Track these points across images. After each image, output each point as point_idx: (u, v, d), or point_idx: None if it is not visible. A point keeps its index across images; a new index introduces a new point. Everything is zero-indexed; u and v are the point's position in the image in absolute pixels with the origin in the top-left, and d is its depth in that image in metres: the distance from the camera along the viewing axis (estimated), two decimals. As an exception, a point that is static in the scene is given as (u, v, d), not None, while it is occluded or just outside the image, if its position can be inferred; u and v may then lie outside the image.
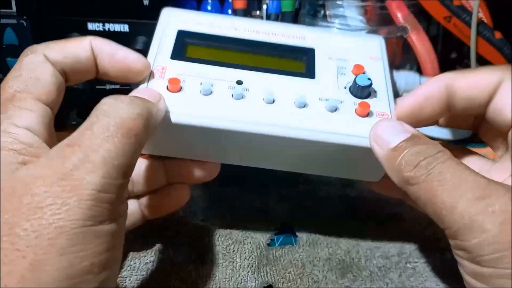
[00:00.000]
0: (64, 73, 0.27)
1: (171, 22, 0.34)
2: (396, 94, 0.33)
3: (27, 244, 0.20)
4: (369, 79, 0.31)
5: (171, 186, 0.33)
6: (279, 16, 0.48)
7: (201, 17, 0.34)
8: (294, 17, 0.48)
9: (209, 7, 0.51)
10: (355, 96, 0.31)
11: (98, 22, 0.43)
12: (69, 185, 0.21)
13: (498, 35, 0.47)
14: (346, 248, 0.36)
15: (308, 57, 0.33)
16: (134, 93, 0.28)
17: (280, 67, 0.32)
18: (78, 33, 0.43)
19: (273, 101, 0.30)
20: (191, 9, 0.51)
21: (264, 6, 0.49)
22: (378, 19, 0.49)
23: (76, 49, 0.28)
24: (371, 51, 0.34)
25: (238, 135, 0.29)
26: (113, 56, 0.29)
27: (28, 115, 0.24)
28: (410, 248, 0.36)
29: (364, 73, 0.32)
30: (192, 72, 0.31)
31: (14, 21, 0.41)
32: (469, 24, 0.47)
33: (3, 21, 0.41)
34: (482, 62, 0.46)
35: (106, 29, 0.41)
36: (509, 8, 0.49)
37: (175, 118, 0.29)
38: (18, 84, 0.25)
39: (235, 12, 0.47)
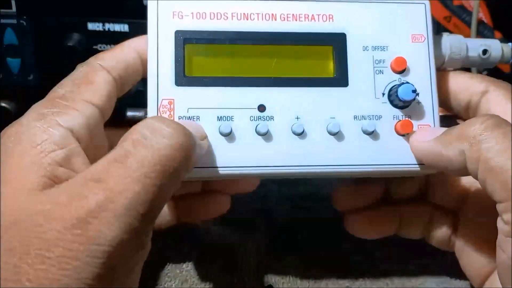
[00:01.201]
0: (119, 78, 0.26)
1: (164, 17, 0.27)
2: (442, 63, 0.30)
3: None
4: (413, 91, 0.27)
5: (210, 195, 0.32)
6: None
7: (199, 3, 0.27)
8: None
9: None
10: (395, 106, 0.28)
11: (98, 22, 0.43)
12: (83, 236, 0.19)
13: (498, 35, 0.47)
14: (346, 248, 0.36)
15: (338, 50, 0.28)
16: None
17: (305, 72, 0.28)
18: (78, 33, 0.43)
19: (302, 131, 0.27)
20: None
21: None
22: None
23: (122, 53, 0.27)
24: (414, 27, 0.28)
25: (267, 175, 0.27)
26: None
27: (74, 114, 0.23)
28: (410, 248, 0.36)
29: (406, 71, 0.28)
30: (206, 102, 0.26)
31: (14, 21, 0.41)
32: (469, 24, 0.47)
33: (3, 21, 0.41)
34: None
35: (106, 29, 0.41)
36: (509, 8, 0.49)
37: (196, 173, 0.25)
38: (70, 86, 0.25)
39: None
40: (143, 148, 0.21)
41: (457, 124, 0.27)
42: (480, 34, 0.47)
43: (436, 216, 0.32)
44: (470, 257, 0.30)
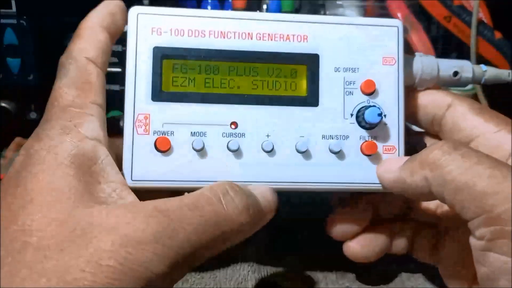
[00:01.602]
0: (104, 66, 0.27)
1: (143, 33, 0.27)
2: (412, 83, 0.31)
3: None
4: (379, 114, 0.28)
5: None
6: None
7: (178, 20, 0.28)
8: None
9: (209, 7, 0.51)
10: (362, 127, 0.29)
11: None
12: (135, 257, 0.20)
13: (498, 35, 0.47)
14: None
15: (311, 70, 0.29)
16: (251, 188, 0.27)
17: (279, 91, 0.28)
18: (78, 33, 0.43)
19: (272, 148, 0.28)
20: (191, 8, 0.51)
21: (264, 6, 0.49)
22: (378, 19, 0.49)
23: (96, 36, 0.27)
24: (386, 50, 0.29)
25: None
26: (105, 15, 0.27)
27: (93, 121, 0.24)
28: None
29: (374, 93, 0.29)
30: (180, 118, 0.27)
31: (14, 21, 0.41)
32: (469, 24, 0.47)
33: (3, 21, 0.41)
34: (482, 62, 0.46)
35: (106, 29, 0.41)
36: (509, 8, 0.49)
37: (167, 183, 0.27)
38: (74, 90, 0.25)
39: (235, 12, 0.47)
40: (213, 207, 0.23)
41: (424, 142, 0.29)
42: (480, 34, 0.47)
43: (419, 231, 0.32)
44: (451, 271, 0.30)
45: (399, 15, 0.48)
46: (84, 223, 0.21)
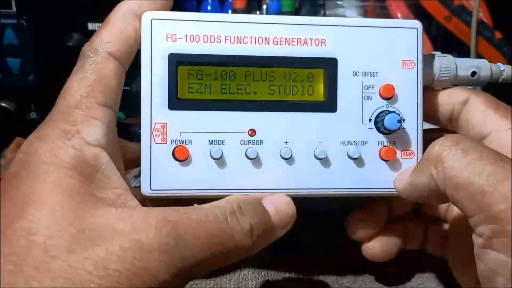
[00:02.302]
0: (127, 61, 0.26)
1: (157, 39, 0.27)
2: (430, 83, 0.30)
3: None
4: (399, 121, 0.27)
5: None
6: (279, 16, 0.48)
7: (193, 25, 0.27)
8: (294, 17, 0.48)
9: (209, 7, 0.51)
10: (381, 132, 0.28)
11: (98, 22, 0.43)
12: (142, 263, 0.21)
13: (498, 35, 0.47)
14: (346, 248, 0.36)
15: (329, 74, 0.28)
16: (266, 201, 0.26)
17: (297, 96, 0.28)
18: (78, 33, 0.43)
19: (290, 155, 0.27)
20: (191, 9, 0.51)
21: (264, 6, 0.49)
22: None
23: (124, 27, 0.26)
24: (405, 52, 0.28)
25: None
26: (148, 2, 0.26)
27: (97, 126, 0.24)
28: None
29: (393, 97, 0.28)
30: (198, 126, 0.27)
31: (14, 21, 0.41)
32: (469, 24, 0.47)
33: (3, 21, 0.41)
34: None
35: (106, 29, 0.41)
36: (509, 8, 0.49)
37: (186, 192, 0.27)
38: (84, 88, 0.24)
39: (235, 12, 0.47)
40: (224, 228, 0.23)
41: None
42: (480, 34, 0.47)
43: (430, 226, 0.33)
44: (460, 266, 0.30)
45: (399, 15, 0.48)
46: (93, 224, 0.21)
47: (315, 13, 0.51)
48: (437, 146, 0.24)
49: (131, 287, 0.20)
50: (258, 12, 0.49)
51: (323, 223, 0.38)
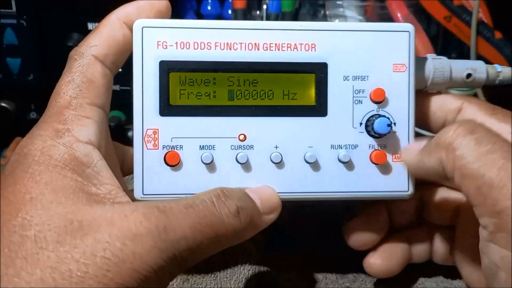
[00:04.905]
0: (114, 65, 0.27)
1: (148, 47, 0.27)
2: (424, 86, 0.30)
3: (66, 285, 0.19)
4: (388, 125, 0.27)
5: None
6: (279, 16, 0.48)
7: (183, 33, 0.27)
8: (294, 17, 0.48)
9: (209, 7, 0.51)
10: (371, 136, 0.28)
11: (98, 22, 0.43)
12: (131, 249, 0.21)
13: (498, 35, 0.47)
14: (346, 248, 0.36)
15: (319, 79, 0.28)
16: (249, 191, 0.27)
17: (286, 101, 0.28)
18: (78, 33, 0.43)
19: (281, 159, 0.28)
20: (191, 9, 0.51)
21: (264, 6, 0.49)
22: (378, 19, 0.49)
23: (112, 32, 0.26)
24: (396, 56, 0.28)
25: None
26: (139, 11, 0.27)
27: (88, 124, 0.24)
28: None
29: (384, 101, 0.28)
30: (189, 132, 0.27)
31: (14, 21, 0.41)
32: (469, 24, 0.47)
33: (3, 21, 0.41)
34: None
35: (106, 29, 0.41)
36: (509, 8, 0.49)
37: (178, 196, 0.26)
38: (72, 89, 0.25)
39: (235, 12, 0.47)
40: (205, 209, 0.24)
41: None
42: (480, 34, 0.47)
43: (436, 235, 0.32)
44: (469, 269, 0.30)
45: (399, 15, 0.48)
46: (82, 217, 0.21)
47: (315, 13, 0.51)
48: (451, 132, 0.24)
49: (121, 274, 0.20)
50: (258, 12, 0.49)
51: (324, 222, 0.38)
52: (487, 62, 0.31)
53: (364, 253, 0.36)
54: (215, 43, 0.27)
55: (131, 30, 0.27)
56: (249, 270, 0.34)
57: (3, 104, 0.44)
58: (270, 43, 0.28)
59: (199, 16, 0.51)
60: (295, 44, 0.28)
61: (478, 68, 0.31)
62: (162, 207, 0.23)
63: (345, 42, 0.28)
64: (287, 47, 0.28)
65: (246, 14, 0.48)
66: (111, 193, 0.24)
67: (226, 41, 0.27)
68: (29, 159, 0.23)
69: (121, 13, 0.27)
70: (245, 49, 0.28)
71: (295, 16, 0.49)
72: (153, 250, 0.21)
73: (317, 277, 0.34)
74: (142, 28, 0.27)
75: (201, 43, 0.27)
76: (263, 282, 0.33)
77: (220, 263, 0.34)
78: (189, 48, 0.27)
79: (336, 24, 0.29)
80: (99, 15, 0.42)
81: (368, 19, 0.49)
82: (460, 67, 0.30)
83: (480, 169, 0.22)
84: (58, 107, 0.25)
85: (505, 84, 0.32)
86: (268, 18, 0.48)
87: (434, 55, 0.30)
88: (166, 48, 0.27)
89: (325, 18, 0.50)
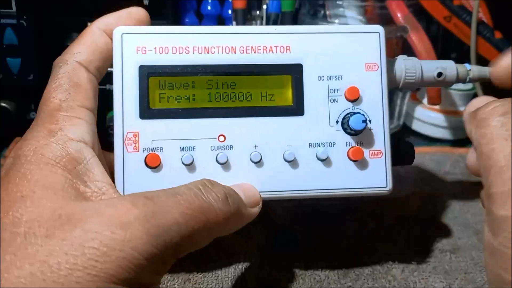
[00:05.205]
0: (97, 71, 0.28)
1: (128, 52, 0.28)
2: (397, 86, 0.31)
3: (55, 278, 0.19)
4: (363, 121, 0.28)
5: None
6: (279, 16, 0.48)
7: (162, 38, 0.28)
8: (294, 17, 0.48)
9: (209, 7, 0.51)
10: (348, 133, 0.29)
11: (98, 22, 0.43)
12: (120, 237, 0.20)
13: (498, 35, 0.47)
14: (348, 247, 0.36)
15: (295, 80, 0.29)
16: (233, 186, 0.27)
17: (264, 102, 0.29)
18: (78, 33, 0.43)
19: (260, 159, 0.28)
20: (191, 9, 0.51)
21: (264, 6, 0.49)
22: (378, 19, 0.49)
23: (94, 40, 0.27)
24: (368, 56, 0.29)
25: None
26: (118, 20, 0.28)
27: (80, 124, 0.25)
28: (412, 246, 0.36)
29: (359, 99, 0.29)
30: (169, 134, 0.28)
31: (14, 21, 0.41)
32: (469, 24, 0.47)
33: (3, 21, 0.41)
34: (482, 62, 0.46)
35: (107, 29, 0.41)
36: (509, 8, 0.49)
37: None
38: (61, 93, 0.26)
39: (235, 12, 0.47)
40: (195, 197, 0.24)
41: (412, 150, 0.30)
42: (480, 34, 0.47)
43: None
44: None
45: (399, 15, 0.48)
46: (71, 211, 0.21)
47: (315, 13, 0.51)
48: (487, 109, 0.24)
49: (111, 263, 0.20)
50: (258, 12, 0.49)
51: (324, 221, 0.39)
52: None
53: (365, 252, 0.36)
54: (193, 47, 0.28)
55: (111, 39, 0.28)
56: (250, 270, 0.34)
57: (3, 104, 0.44)
58: (246, 46, 0.28)
59: (199, 16, 0.51)
60: (271, 46, 0.29)
61: (448, 67, 0.32)
62: (149, 196, 0.23)
63: (319, 44, 0.29)
64: (263, 50, 0.29)
65: (246, 14, 0.48)
66: (101, 190, 0.24)
67: (204, 45, 0.28)
68: (22, 160, 0.23)
69: (101, 23, 0.28)
70: (223, 53, 0.28)
71: (295, 16, 0.49)
72: (144, 237, 0.21)
73: (319, 277, 0.34)
74: (122, 35, 0.28)
75: (179, 47, 0.28)
76: (264, 282, 0.33)
77: (221, 263, 0.34)
78: (168, 52, 0.28)
79: (309, 27, 0.30)
80: (99, 15, 0.42)
81: (368, 19, 0.49)
82: (430, 67, 0.31)
83: (490, 152, 0.23)
84: (49, 110, 0.25)
85: (476, 81, 0.33)
86: (268, 18, 0.48)
87: (405, 56, 0.32)
88: (146, 53, 0.28)
89: (325, 18, 0.50)
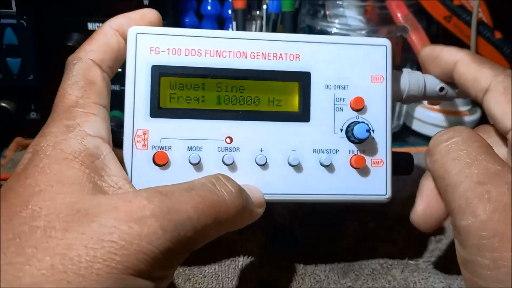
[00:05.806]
0: (110, 70, 0.28)
1: (141, 52, 0.28)
2: (400, 98, 0.32)
3: (76, 270, 0.20)
4: (367, 130, 0.29)
5: None
6: (279, 16, 0.48)
7: (175, 40, 0.29)
8: (294, 17, 0.48)
9: (209, 7, 0.51)
10: (351, 141, 0.30)
11: (98, 22, 0.43)
12: (137, 231, 0.21)
13: (498, 35, 0.47)
14: (348, 247, 0.36)
15: (303, 87, 0.29)
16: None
17: (271, 107, 0.29)
18: (78, 33, 0.43)
19: (265, 161, 0.29)
20: (191, 9, 0.51)
21: (264, 6, 0.49)
22: (378, 18, 0.49)
23: (106, 39, 0.28)
24: (374, 67, 0.30)
25: None
26: (131, 21, 0.28)
27: (96, 121, 0.25)
28: (412, 246, 0.36)
29: (363, 109, 0.30)
30: (177, 133, 0.28)
31: (14, 21, 0.41)
32: (469, 24, 0.47)
33: (3, 21, 0.41)
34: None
35: (107, 29, 0.41)
36: (509, 8, 0.49)
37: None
38: (77, 90, 0.26)
39: (235, 12, 0.47)
40: (211, 195, 0.24)
41: (411, 159, 0.32)
42: (480, 34, 0.47)
43: None
44: None
45: (399, 15, 0.48)
46: (88, 206, 0.22)
47: (315, 13, 0.51)
48: (434, 138, 0.27)
49: (129, 256, 0.21)
50: (258, 12, 0.49)
51: (324, 221, 0.39)
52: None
53: (364, 252, 0.36)
54: (205, 50, 0.29)
55: (124, 39, 0.28)
56: (250, 270, 0.34)
57: (3, 104, 0.44)
58: (257, 52, 0.29)
59: (199, 16, 0.51)
60: (281, 53, 0.29)
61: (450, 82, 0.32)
62: (164, 191, 0.23)
63: (328, 54, 0.30)
64: (273, 56, 0.29)
65: (246, 14, 0.48)
66: (118, 184, 0.24)
67: (215, 49, 0.29)
68: (40, 155, 0.24)
69: (114, 23, 0.28)
70: (234, 57, 0.29)
71: (295, 16, 0.49)
72: (160, 232, 0.22)
73: (319, 277, 0.34)
74: (136, 34, 0.28)
75: (192, 50, 0.29)
76: (264, 282, 0.33)
77: (221, 263, 0.34)
78: (180, 54, 0.28)
79: (319, 37, 0.30)
80: (99, 15, 0.42)
81: (368, 19, 0.49)
82: (433, 81, 0.32)
83: (443, 173, 0.25)
84: (65, 107, 0.26)
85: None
86: (268, 18, 0.48)
87: (409, 69, 0.32)
88: (159, 53, 0.28)
89: (325, 18, 0.50)
